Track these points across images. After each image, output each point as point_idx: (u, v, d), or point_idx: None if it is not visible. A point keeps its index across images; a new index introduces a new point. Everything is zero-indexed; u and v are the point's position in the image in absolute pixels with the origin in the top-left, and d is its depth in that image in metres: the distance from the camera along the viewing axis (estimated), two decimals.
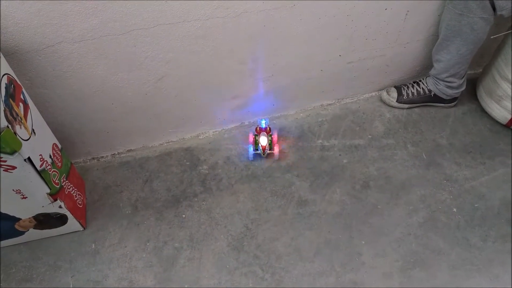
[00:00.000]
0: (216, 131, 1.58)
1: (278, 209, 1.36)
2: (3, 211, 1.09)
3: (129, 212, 1.36)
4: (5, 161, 0.93)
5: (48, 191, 1.09)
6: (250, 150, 1.48)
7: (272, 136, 1.50)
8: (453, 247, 1.27)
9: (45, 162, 1.07)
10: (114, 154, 1.51)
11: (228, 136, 1.57)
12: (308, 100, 1.61)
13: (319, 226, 1.32)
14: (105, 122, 1.36)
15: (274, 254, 1.26)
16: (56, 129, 1.23)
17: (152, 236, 1.30)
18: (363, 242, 1.28)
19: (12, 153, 0.92)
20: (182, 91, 1.35)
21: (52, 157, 1.13)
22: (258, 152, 1.48)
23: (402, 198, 1.38)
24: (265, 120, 1.51)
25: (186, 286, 1.19)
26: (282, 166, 1.47)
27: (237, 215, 1.35)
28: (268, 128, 1.51)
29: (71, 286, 1.20)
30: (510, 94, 1.44)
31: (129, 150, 1.51)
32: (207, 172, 1.46)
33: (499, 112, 1.53)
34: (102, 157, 1.50)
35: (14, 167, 0.96)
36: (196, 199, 1.39)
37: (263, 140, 1.45)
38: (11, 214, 1.12)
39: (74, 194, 1.27)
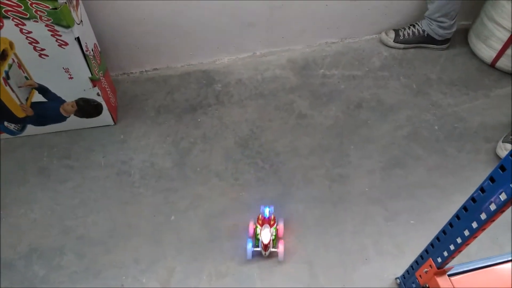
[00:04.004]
0: (230, 58, 1.79)
1: (280, 119, 1.57)
2: (53, 90, 1.33)
3: (153, 115, 1.59)
4: (60, 36, 1.16)
5: (90, 75, 1.32)
6: (248, 246, 1.17)
7: (277, 228, 1.21)
8: (431, 154, 1.45)
9: (89, 50, 1.30)
10: (142, 71, 1.74)
11: (242, 63, 1.78)
12: (314, 36, 1.81)
13: (315, 134, 1.52)
14: (136, 36, 1.59)
15: (274, 151, 1.47)
16: (96, 38, 1.46)
17: (172, 133, 1.52)
18: (352, 147, 1.48)
19: (67, 27, 1.15)
20: (203, 12, 1.57)
21: (93, 51, 1.36)
22: (259, 249, 1.18)
23: (390, 117, 1.57)
24: (269, 208, 1.20)
25: (198, 169, 1.41)
26: (286, 88, 1.68)
27: (245, 122, 1.56)
28: (272, 218, 1.19)
29: (102, 164, 1.43)
30: (495, 33, 1.61)
31: (154, 69, 1.74)
32: (220, 89, 1.68)
33: (486, 52, 1.70)
34: (132, 73, 1.73)
35: (66, 43, 1.19)
36: (210, 109, 1.61)
37: (265, 236, 1.13)
38: (58, 95, 1.36)
39: (109, 92, 1.50)
